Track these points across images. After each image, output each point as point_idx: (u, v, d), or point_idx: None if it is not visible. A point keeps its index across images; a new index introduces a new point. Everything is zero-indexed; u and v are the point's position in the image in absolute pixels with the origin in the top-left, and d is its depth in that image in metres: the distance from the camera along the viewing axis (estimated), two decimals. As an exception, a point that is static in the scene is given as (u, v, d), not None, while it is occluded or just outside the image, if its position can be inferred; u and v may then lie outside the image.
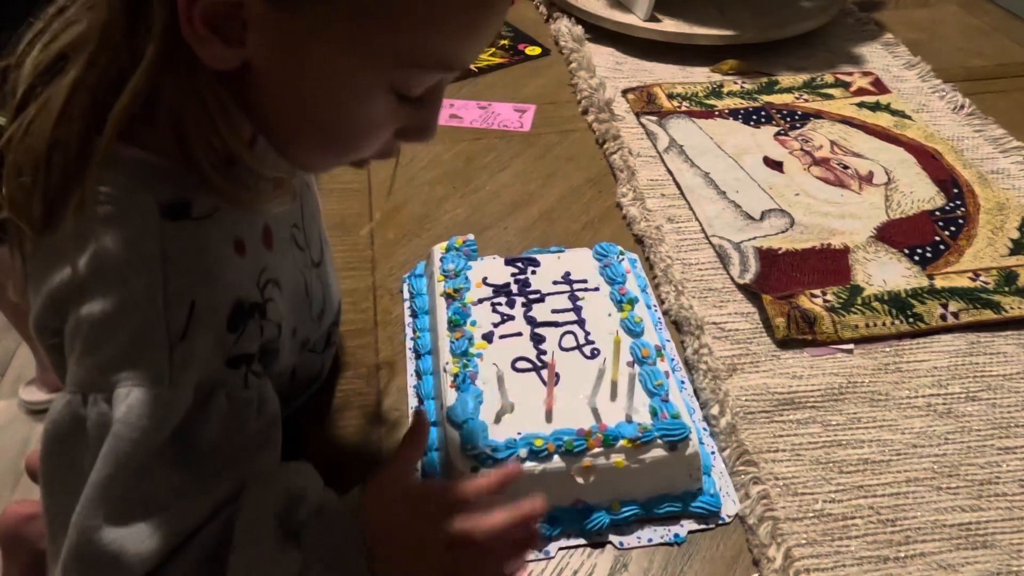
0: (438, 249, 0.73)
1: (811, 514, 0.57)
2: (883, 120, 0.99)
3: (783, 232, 0.82)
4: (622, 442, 0.55)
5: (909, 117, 0.99)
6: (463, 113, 1.03)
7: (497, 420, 0.57)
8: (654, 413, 0.57)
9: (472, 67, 1.12)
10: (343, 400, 0.67)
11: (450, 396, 0.59)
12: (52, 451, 0.40)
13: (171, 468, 0.39)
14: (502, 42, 1.18)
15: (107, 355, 0.39)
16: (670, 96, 1.04)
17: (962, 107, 1.01)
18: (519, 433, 0.56)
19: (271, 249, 0.47)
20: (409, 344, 0.71)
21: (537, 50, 1.16)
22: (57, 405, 0.40)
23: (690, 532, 0.57)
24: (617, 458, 0.55)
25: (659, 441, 0.55)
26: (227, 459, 0.42)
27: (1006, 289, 0.74)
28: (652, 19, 1.13)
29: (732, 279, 0.76)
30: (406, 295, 0.76)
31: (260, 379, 0.44)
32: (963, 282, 0.75)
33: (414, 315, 0.73)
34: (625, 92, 1.05)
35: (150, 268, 0.39)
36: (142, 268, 0.39)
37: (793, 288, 0.74)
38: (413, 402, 0.65)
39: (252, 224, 0.46)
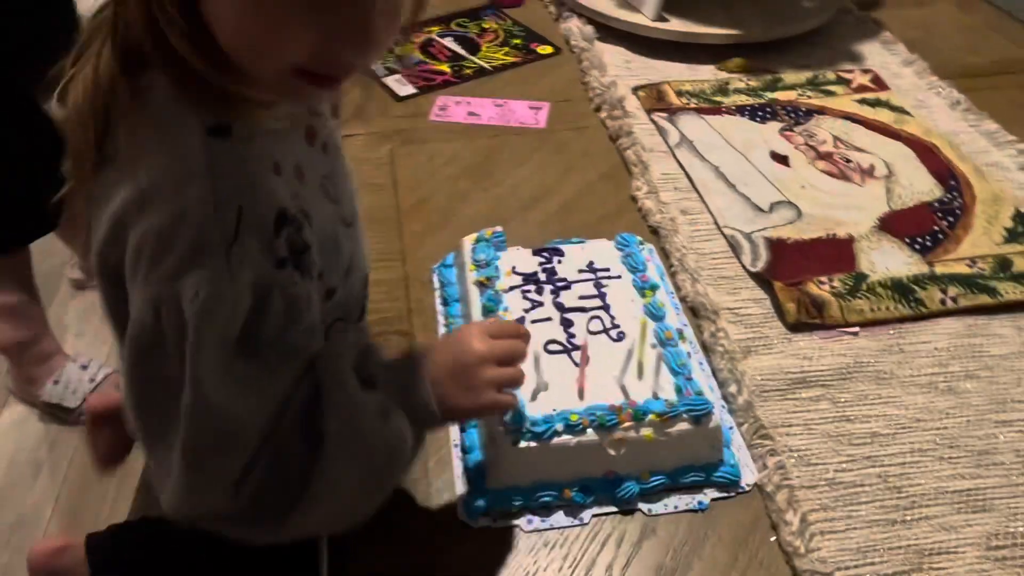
0: (468, 240, 0.77)
1: (823, 482, 0.62)
2: (883, 116, 1.03)
3: (791, 223, 0.86)
4: (651, 416, 0.59)
5: (908, 113, 1.04)
6: (480, 111, 1.07)
7: (533, 398, 0.61)
8: (679, 391, 0.62)
9: (487, 66, 1.16)
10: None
11: (488, 376, 0.63)
12: (134, 366, 0.45)
13: (245, 362, 0.45)
14: (515, 41, 1.22)
15: (171, 263, 0.44)
16: (679, 93, 1.08)
17: (958, 103, 1.05)
18: (554, 409, 0.60)
19: (302, 183, 0.51)
20: (442, 331, 0.75)
21: (549, 49, 1.20)
22: (132, 325, 0.45)
23: (713, 500, 0.61)
24: (646, 431, 0.59)
25: (684, 416, 0.60)
26: (290, 348, 0.48)
27: (1001, 275, 0.79)
28: (660, 19, 1.17)
29: (744, 267, 0.81)
30: (436, 285, 0.80)
31: (305, 278, 0.49)
32: (961, 269, 0.80)
33: (445, 303, 0.77)
34: (636, 90, 1.09)
35: (200, 179, 0.44)
36: (193, 180, 0.44)
37: (802, 275, 0.79)
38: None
39: (284, 157, 0.50)
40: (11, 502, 1.50)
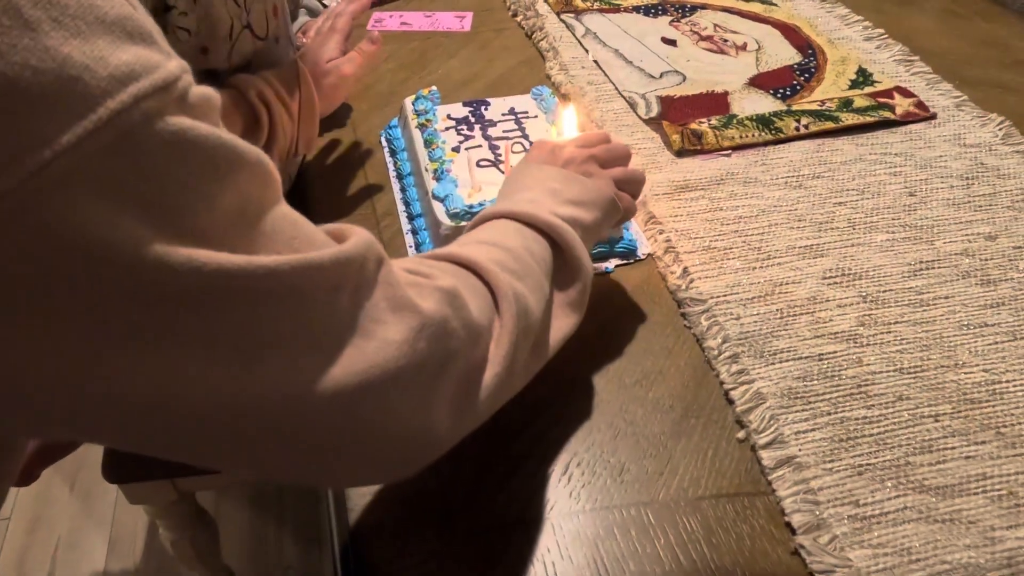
0: (409, 99, 0.92)
1: (701, 248, 0.79)
2: (755, 8, 1.22)
3: (677, 85, 1.03)
4: (562, 197, 0.75)
5: (775, 4, 1.22)
6: (412, 21, 1.22)
7: (469, 196, 0.77)
8: (584, 182, 0.78)
9: (415, -13, 1.30)
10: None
11: (432, 185, 0.78)
12: None
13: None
14: (438, -32, 1.37)
15: None
16: (584, -1, 1.25)
17: (817, -5, 1.25)
18: (487, 200, 0.75)
19: None
20: (392, 173, 0.90)
21: (469, -27, 1.36)
22: None
23: (616, 266, 0.77)
24: (559, 209, 0.75)
25: (589, 196, 0.76)
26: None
27: (844, 109, 0.97)
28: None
29: (640, 118, 0.98)
30: (384, 144, 0.95)
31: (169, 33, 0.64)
32: (812, 107, 0.98)
33: (392, 155, 0.92)
34: (546, -2, 1.25)
35: None
36: None
37: (685, 119, 0.96)
38: (401, 207, 0.84)
39: None
40: None
